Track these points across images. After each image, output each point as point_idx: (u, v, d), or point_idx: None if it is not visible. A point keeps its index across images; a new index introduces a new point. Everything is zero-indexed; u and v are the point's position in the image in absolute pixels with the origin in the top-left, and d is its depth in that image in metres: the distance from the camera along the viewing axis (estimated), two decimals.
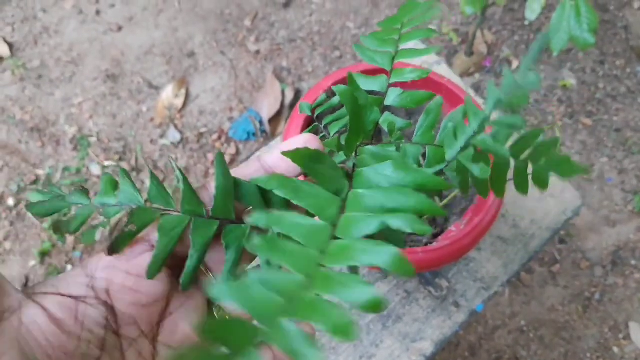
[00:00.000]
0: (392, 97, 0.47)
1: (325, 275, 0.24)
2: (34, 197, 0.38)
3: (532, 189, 0.89)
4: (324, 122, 0.77)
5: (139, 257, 0.33)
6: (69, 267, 1.36)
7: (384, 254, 0.24)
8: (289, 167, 0.34)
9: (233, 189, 0.34)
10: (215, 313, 0.36)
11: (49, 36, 1.66)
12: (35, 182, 1.45)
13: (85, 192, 0.37)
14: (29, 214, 1.41)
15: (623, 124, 1.67)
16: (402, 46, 0.49)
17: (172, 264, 0.34)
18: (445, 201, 0.71)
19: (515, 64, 1.72)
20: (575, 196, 0.93)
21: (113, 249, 0.33)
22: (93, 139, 1.51)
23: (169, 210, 0.34)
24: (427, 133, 0.43)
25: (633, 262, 1.53)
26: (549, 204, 0.92)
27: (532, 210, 0.91)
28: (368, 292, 0.22)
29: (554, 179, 0.92)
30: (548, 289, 1.48)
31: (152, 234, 0.34)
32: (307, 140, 0.33)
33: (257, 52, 1.66)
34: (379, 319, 0.82)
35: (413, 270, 0.24)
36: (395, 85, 0.79)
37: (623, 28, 1.81)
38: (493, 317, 1.43)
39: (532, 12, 1.36)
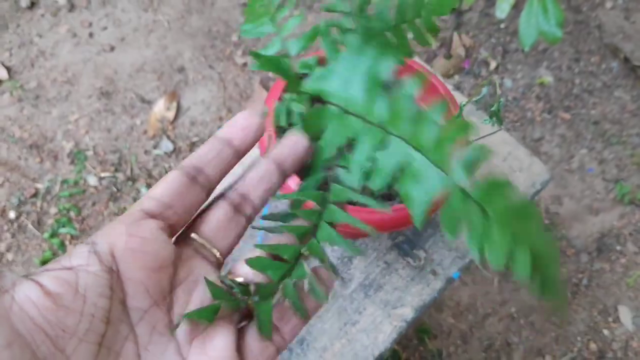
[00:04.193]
0: None
1: None
2: None
3: (502, 164, 0.94)
4: None
5: (142, 221, 0.30)
6: None
7: None
8: (245, 135, 0.34)
9: None
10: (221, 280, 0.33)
11: (45, 59, 1.73)
12: (35, 195, 1.50)
13: None
14: (30, 226, 1.46)
15: (601, 116, 1.73)
16: None
17: (172, 233, 0.32)
18: None
19: (492, 64, 1.79)
20: (543, 169, 0.98)
21: None
22: (89, 153, 1.57)
23: None
24: None
25: (618, 248, 1.57)
26: (517, 177, 0.97)
27: None
28: None
29: (521, 154, 0.97)
30: None
31: (147, 201, 0.31)
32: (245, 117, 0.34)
33: (244, 64, 1.73)
34: (361, 288, 0.87)
35: None
36: None
37: (596, 27, 1.88)
38: (483, 305, 1.47)
39: (502, 11, 1.43)
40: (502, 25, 1.86)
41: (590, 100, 1.75)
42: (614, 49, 1.83)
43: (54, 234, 1.44)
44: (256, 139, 0.34)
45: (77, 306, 0.27)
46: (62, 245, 1.43)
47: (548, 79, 1.77)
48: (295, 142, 0.35)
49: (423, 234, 0.91)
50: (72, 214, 1.48)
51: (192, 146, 1.60)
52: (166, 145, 1.59)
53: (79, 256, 0.28)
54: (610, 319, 1.50)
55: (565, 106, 1.74)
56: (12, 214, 1.48)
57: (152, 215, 0.31)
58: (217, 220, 0.33)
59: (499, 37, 1.84)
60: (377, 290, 0.87)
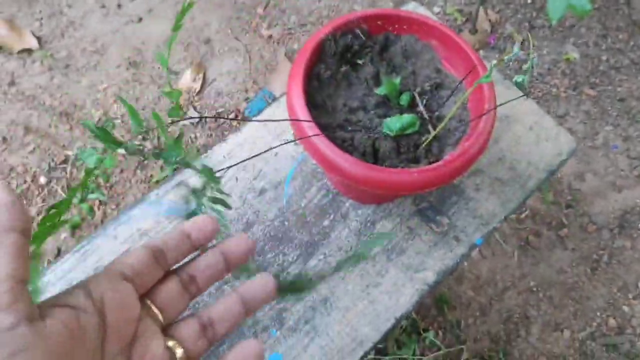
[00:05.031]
0: None
1: None
2: None
3: (528, 133, 0.95)
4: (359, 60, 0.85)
5: (123, 282, 0.37)
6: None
7: None
8: (202, 235, 0.42)
9: None
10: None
11: (75, 29, 1.76)
12: (64, 162, 1.54)
13: None
14: (60, 191, 1.50)
15: (627, 93, 1.72)
16: None
17: (143, 294, 0.39)
18: (438, 129, 0.77)
19: (518, 40, 1.78)
20: (570, 140, 0.99)
21: None
22: (117, 121, 1.60)
23: None
24: None
25: None
26: (544, 147, 0.98)
27: (529, 153, 0.97)
28: None
29: (548, 124, 0.98)
30: (556, 252, 1.53)
31: (124, 266, 0.38)
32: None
33: (270, 37, 1.74)
34: (384, 252, 0.88)
35: None
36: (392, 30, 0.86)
37: (625, 4, 1.86)
38: (503, 279, 1.48)
39: None
40: (529, 0, 1.84)
41: (617, 77, 1.74)
42: None
43: (83, 200, 1.48)
44: (210, 238, 0.42)
45: (82, 341, 0.32)
46: (91, 211, 1.47)
47: (574, 55, 1.76)
48: (242, 239, 0.44)
49: (447, 201, 0.93)
50: (101, 180, 1.52)
51: (218, 116, 1.62)
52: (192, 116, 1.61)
53: (76, 298, 0.33)
54: (630, 296, 1.50)
55: (591, 83, 1.73)
56: (42, 180, 1.52)
57: (127, 279, 0.37)
58: (167, 291, 0.40)
59: (525, 12, 1.83)
60: (399, 254, 0.89)
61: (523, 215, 1.54)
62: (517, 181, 0.95)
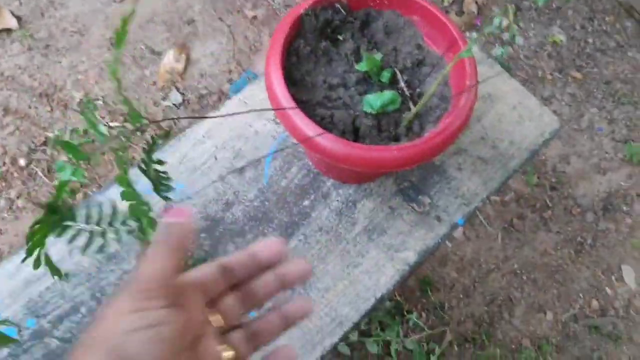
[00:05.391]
0: None
1: None
2: None
3: (511, 112, 0.94)
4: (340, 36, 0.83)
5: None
6: None
7: None
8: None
9: None
10: None
11: (55, 9, 1.72)
12: (45, 143, 1.52)
13: None
14: (40, 174, 1.48)
15: (613, 76, 1.71)
16: None
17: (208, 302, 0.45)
18: (418, 105, 0.76)
19: (504, 23, 1.76)
20: (553, 119, 0.98)
21: None
22: (99, 103, 1.58)
23: None
24: None
25: (625, 208, 1.57)
26: (527, 127, 0.97)
27: (511, 132, 0.96)
28: None
29: (532, 104, 0.97)
30: (540, 234, 1.53)
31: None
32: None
33: (254, 17, 1.72)
34: (364, 232, 0.88)
35: None
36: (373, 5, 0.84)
37: None
38: (486, 261, 1.48)
39: None
40: None
41: (603, 60, 1.73)
42: (628, 8, 1.79)
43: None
44: (276, 259, 0.46)
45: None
46: (73, 193, 1.45)
47: (561, 37, 1.75)
48: (300, 264, 0.48)
49: (428, 181, 0.92)
50: (82, 162, 1.50)
51: (201, 98, 1.60)
52: (175, 97, 1.59)
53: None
54: (613, 278, 1.51)
55: (577, 65, 1.72)
56: (22, 162, 1.49)
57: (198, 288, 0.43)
58: (228, 302, 0.45)
59: None
60: (380, 234, 0.88)
61: (507, 198, 1.54)
62: (500, 160, 0.94)
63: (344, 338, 0.84)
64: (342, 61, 0.83)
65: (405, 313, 1.38)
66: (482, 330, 1.41)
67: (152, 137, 0.63)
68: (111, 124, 1.55)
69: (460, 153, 0.94)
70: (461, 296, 1.44)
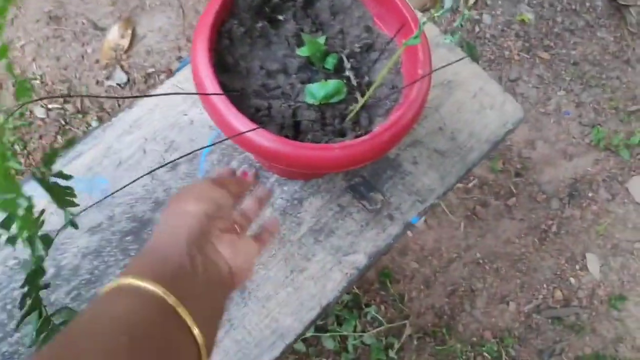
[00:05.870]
0: None
1: None
2: None
3: (471, 100, 0.87)
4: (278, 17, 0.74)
5: None
6: None
7: None
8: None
9: None
10: None
11: None
12: None
13: None
14: None
15: (581, 57, 1.65)
16: None
17: None
18: (365, 97, 0.68)
19: (470, 0, 1.69)
20: (517, 108, 0.91)
21: None
22: (36, 82, 1.46)
23: None
24: None
25: (590, 194, 1.53)
26: (488, 116, 0.90)
27: (471, 122, 0.89)
28: None
29: (494, 90, 0.90)
30: (504, 222, 1.48)
31: None
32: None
33: None
34: (311, 233, 0.80)
35: None
36: None
37: None
38: (448, 250, 1.42)
39: None
40: None
41: (572, 40, 1.67)
42: None
43: None
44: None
45: None
46: None
47: (529, 16, 1.68)
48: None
49: (381, 176, 0.84)
50: (18, 147, 1.38)
51: (148, 77, 1.49)
52: (120, 76, 1.48)
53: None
54: (577, 267, 1.47)
55: (545, 45, 1.65)
56: None
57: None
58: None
59: None
60: (328, 235, 0.80)
61: (470, 185, 1.48)
62: (458, 153, 0.87)
63: (286, 352, 0.76)
64: (282, 45, 0.73)
65: (364, 306, 1.32)
66: (443, 323, 1.36)
67: (51, 148, 0.54)
68: (50, 106, 1.43)
69: (415, 145, 0.87)
70: (422, 287, 1.38)
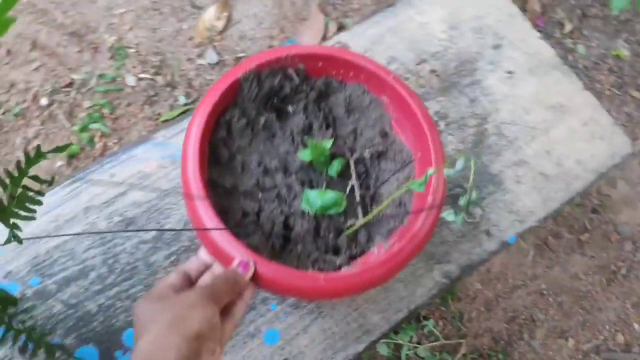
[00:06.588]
0: None
1: None
2: None
3: (582, 128, 0.85)
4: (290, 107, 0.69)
5: None
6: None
7: None
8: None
9: None
10: None
11: None
12: (69, 85, 1.44)
13: None
14: (61, 116, 1.40)
15: None
16: None
17: None
18: (367, 218, 0.62)
19: (568, 27, 1.66)
20: (625, 142, 0.89)
21: None
22: (131, 50, 1.50)
23: None
24: None
25: None
26: (597, 146, 0.88)
27: (579, 150, 0.87)
28: None
29: (604, 121, 0.88)
30: (574, 257, 1.44)
31: None
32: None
33: None
34: None
35: None
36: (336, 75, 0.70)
37: None
38: (514, 276, 1.40)
39: None
40: None
41: None
42: None
43: (84, 128, 1.39)
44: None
45: None
46: (92, 142, 1.38)
47: (624, 52, 1.64)
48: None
49: (483, 190, 0.83)
50: (106, 110, 1.42)
51: (237, 61, 1.51)
52: (211, 56, 1.50)
53: None
54: None
55: (638, 84, 1.61)
56: (44, 101, 1.42)
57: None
58: None
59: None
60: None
61: None
62: (563, 179, 0.85)
63: (369, 348, 0.76)
64: (286, 140, 0.68)
65: (422, 319, 1.31)
66: (499, 348, 1.33)
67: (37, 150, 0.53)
68: (141, 75, 1.47)
69: (520, 165, 0.85)
70: (482, 309, 1.36)
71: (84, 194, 0.77)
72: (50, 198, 0.76)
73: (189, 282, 0.55)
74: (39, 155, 0.54)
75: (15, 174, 0.54)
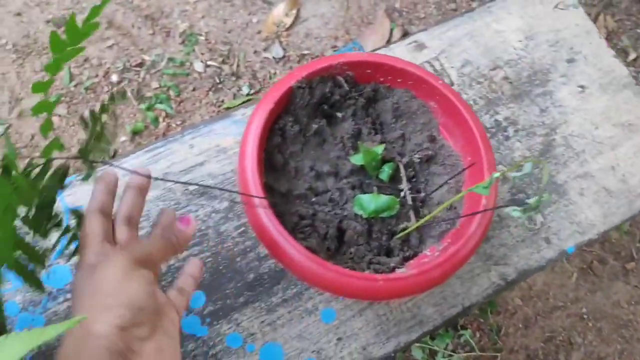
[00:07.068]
0: None
1: None
2: None
3: None
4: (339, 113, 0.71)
5: None
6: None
7: None
8: None
9: None
10: None
11: None
12: (140, 65, 1.50)
13: None
14: (129, 94, 1.46)
15: None
16: None
17: None
18: (421, 221, 0.63)
19: (632, 56, 1.65)
20: None
21: None
22: (201, 38, 1.55)
23: None
24: None
25: None
26: None
27: None
28: None
29: None
30: (617, 284, 1.43)
31: None
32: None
33: None
34: None
35: None
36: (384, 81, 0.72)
37: None
38: (555, 297, 1.40)
39: None
40: None
41: None
42: None
43: (150, 108, 1.44)
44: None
45: None
46: (156, 121, 1.43)
47: None
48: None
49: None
50: (172, 93, 1.47)
51: (302, 58, 1.55)
52: (277, 51, 1.55)
53: None
54: None
55: None
56: (114, 77, 1.48)
57: None
58: None
59: None
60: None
61: None
62: (626, 196, 0.86)
63: (420, 339, 0.78)
64: (337, 145, 0.70)
65: (459, 328, 1.32)
66: None
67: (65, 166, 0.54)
68: (209, 62, 1.51)
69: (585, 177, 0.86)
70: (520, 325, 1.36)
71: (163, 160, 0.80)
72: (132, 161, 0.80)
73: (111, 221, 0.51)
74: (123, 96, 0.56)
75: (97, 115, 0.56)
